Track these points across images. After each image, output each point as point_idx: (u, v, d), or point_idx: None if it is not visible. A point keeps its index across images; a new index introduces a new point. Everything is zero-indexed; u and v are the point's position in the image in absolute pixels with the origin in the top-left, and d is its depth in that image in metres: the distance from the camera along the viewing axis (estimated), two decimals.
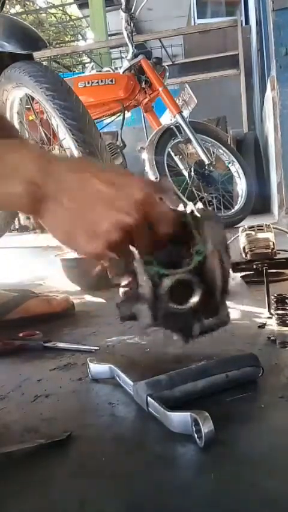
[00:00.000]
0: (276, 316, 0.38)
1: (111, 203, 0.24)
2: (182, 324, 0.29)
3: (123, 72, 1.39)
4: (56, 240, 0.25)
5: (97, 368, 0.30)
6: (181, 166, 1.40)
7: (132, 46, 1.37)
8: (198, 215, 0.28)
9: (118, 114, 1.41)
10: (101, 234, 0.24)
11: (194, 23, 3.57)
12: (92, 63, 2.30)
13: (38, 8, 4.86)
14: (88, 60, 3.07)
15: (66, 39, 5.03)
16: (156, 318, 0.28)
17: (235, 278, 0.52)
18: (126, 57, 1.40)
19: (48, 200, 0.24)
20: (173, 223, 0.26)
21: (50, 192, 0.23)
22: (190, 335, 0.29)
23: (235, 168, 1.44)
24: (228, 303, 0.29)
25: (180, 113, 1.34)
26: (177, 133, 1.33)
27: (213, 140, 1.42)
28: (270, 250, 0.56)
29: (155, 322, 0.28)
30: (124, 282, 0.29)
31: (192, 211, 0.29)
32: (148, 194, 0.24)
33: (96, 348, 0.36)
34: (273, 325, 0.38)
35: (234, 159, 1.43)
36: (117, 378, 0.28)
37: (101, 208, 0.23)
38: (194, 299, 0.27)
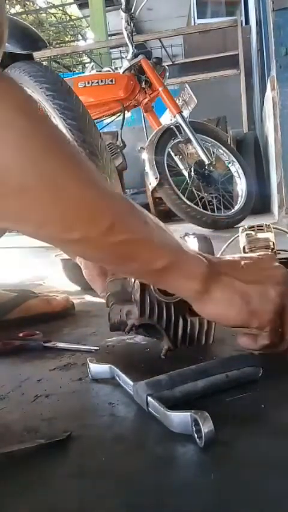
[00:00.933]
0: None
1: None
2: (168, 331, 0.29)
3: (123, 72, 1.39)
4: (227, 322, 0.26)
5: (97, 368, 0.30)
6: (181, 166, 1.40)
7: (132, 46, 1.37)
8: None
9: (118, 114, 1.41)
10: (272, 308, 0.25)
11: (194, 23, 3.57)
12: (92, 63, 2.30)
13: (38, 8, 4.87)
14: (88, 60, 3.08)
15: (66, 39, 5.04)
16: (144, 314, 0.28)
17: None
18: (126, 57, 1.40)
19: (218, 283, 0.25)
20: None
21: (222, 273, 0.25)
22: (176, 341, 0.29)
23: (235, 168, 1.44)
24: None
25: (180, 113, 1.34)
26: (177, 133, 1.33)
27: (213, 140, 1.42)
28: (270, 250, 0.56)
29: (143, 317, 0.28)
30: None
31: None
32: None
33: (96, 348, 0.36)
34: None
35: (234, 159, 1.43)
36: (117, 378, 0.28)
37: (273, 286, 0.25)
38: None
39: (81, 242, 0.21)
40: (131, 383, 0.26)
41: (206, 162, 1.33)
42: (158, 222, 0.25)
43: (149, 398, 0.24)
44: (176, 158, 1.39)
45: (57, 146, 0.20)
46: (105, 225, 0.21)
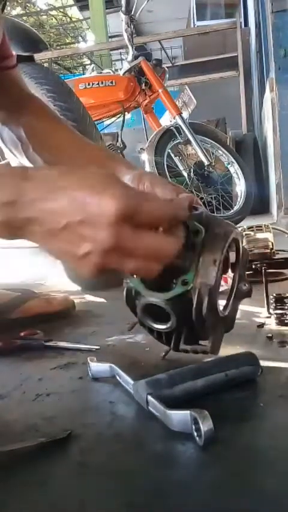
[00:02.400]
0: (275, 315, 0.38)
1: (85, 224, 0.21)
2: (159, 337, 0.29)
3: (123, 74, 1.39)
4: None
5: (97, 367, 0.30)
6: (181, 167, 1.40)
7: (133, 48, 1.38)
8: (202, 228, 0.24)
9: (118, 116, 1.42)
10: (84, 258, 0.22)
11: (194, 25, 3.59)
12: (93, 65, 2.31)
13: (38, 10, 4.88)
14: (88, 62, 3.09)
15: (67, 41, 5.06)
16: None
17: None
18: (126, 58, 1.41)
19: (26, 224, 0.22)
20: (166, 219, 0.23)
21: (26, 214, 0.22)
22: (169, 347, 0.29)
23: (234, 169, 1.44)
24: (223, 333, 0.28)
25: (179, 114, 1.34)
26: (177, 134, 1.34)
27: (212, 141, 1.43)
28: (269, 251, 0.56)
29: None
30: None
31: (202, 217, 0.25)
32: (125, 208, 0.21)
33: (96, 347, 0.36)
34: (272, 324, 0.38)
35: (234, 160, 1.44)
36: (118, 377, 0.28)
37: (75, 233, 0.21)
38: (167, 325, 0.26)
39: None
40: (131, 382, 0.26)
41: (206, 163, 1.33)
42: None
43: (149, 397, 0.24)
44: (176, 159, 1.40)
45: None
46: None
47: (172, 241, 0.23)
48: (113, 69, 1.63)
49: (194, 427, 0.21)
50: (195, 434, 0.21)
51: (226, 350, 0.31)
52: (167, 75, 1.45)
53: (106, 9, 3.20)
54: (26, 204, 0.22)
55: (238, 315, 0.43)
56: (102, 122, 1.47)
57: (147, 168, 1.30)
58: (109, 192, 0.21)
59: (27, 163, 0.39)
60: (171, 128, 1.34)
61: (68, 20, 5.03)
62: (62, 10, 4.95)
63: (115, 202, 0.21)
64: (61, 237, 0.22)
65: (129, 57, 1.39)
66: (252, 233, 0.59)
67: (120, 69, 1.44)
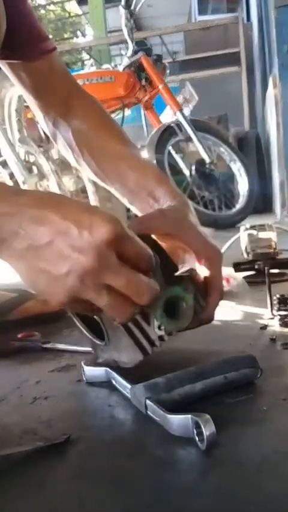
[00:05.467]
0: (278, 317, 0.38)
1: (71, 243, 0.20)
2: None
3: (123, 70, 1.38)
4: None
5: (92, 371, 0.29)
6: (182, 165, 1.39)
7: (132, 43, 1.36)
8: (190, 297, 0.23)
9: (118, 112, 1.40)
10: (60, 279, 0.20)
11: (195, 19, 3.55)
12: (91, 60, 2.28)
13: (37, 4, 4.83)
14: (87, 57, 3.06)
15: (66, 36, 5.01)
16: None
17: (237, 278, 0.51)
18: (126, 54, 1.39)
19: (5, 242, 0.21)
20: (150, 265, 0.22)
21: (6, 233, 0.21)
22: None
23: (236, 167, 1.43)
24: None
25: (180, 110, 1.33)
26: (178, 131, 1.33)
27: (214, 138, 1.41)
28: (272, 250, 0.56)
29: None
30: None
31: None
32: (115, 232, 0.21)
33: None
34: (275, 326, 0.38)
35: (236, 158, 1.42)
36: (113, 381, 0.28)
37: (59, 250, 0.20)
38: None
39: None
40: (129, 386, 0.26)
41: (207, 160, 1.32)
42: None
43: (148, 401, 0.23)
44: (177, 157, 1.38)
45: None
46: None
47: (153, 284, 0.22)
48: (112, 64, 1.61)
49: (195, 431, 0.21)
50: (197, 438, 0.21)
51: (228, 352, 0.31)
52: (168, 71, 1.44)
53: (105, 3, 3.16)
54: (12, 216, 0.21)
55: (241, 316, 0.42)
56: None
57: None
58: (100, 215, 0.21)
59: (86, 173, 0.35)
60: (172, 124, 1.33)
61: (67, 14, 4.97)
62: (60, 5, 4.90)
63: (106, 225, 0.20)
64: (40, 255, 0.21)
65: (129, 53, 1.37)
66: (255, 232, 0.58)
67: (120, 64, 1.42)
